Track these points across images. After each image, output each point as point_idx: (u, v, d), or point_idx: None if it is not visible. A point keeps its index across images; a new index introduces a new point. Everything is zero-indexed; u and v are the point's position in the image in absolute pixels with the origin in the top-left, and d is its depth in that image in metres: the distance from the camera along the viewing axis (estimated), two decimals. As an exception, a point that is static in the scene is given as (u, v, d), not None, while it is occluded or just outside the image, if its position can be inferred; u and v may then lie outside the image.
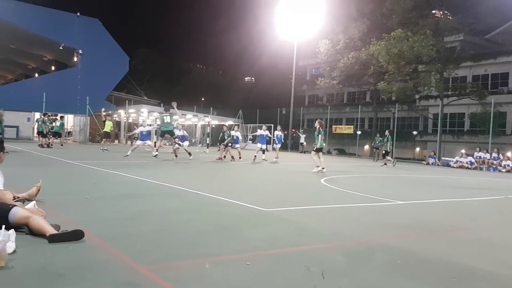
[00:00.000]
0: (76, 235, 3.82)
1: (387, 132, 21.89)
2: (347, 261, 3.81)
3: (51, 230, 3.83)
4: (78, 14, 33.63)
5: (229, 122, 37.27)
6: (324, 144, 14.67)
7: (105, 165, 12.19)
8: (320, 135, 13.94)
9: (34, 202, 5.02)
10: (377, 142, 24.89)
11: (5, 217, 3.88)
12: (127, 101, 36.24)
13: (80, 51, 33.04)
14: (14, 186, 5.50)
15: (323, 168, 13.71)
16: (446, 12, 31.58)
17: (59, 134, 22.47)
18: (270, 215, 5.87)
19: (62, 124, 22.82)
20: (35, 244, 3.70)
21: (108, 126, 22.32)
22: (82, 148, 23.98)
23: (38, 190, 5.60)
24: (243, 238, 4.43)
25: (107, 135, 22.56)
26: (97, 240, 3.98)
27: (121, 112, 35.74)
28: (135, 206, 5.97)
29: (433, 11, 31.90)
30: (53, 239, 3.73)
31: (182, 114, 35.97)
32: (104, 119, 23.29)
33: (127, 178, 9.41)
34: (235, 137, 19.15)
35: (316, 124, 14.13)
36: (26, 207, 4.44)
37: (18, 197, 5.19)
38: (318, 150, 14.00)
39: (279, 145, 20.28)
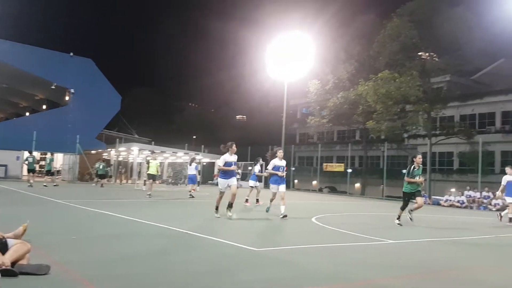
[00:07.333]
0: (41, 269, 4.01)
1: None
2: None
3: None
4: (72, 54, 33.99)
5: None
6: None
7: (93, 204, 11.96)
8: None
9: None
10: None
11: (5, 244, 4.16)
12: (117, 139, 36.09)
13: (72, 90, 33.11)
14: (1, 225, 5.35)
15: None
16: (432, 54, 32.46)
17: (51, 173, 22.21)
18: (264, 256, 5.74)
19: (51, 160, 22.56)
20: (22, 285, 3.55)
21: (153, 168, 18.08)
22: (71, 187, 23.61)
23: (25, 230, 5.45)
24: (236, 280, 4.30)
25: (151, 177, 17.98)
26: (84, 281, 3.84)
27: (112, 151, 35.53)
28: (123, 247, 5.82)
29: (420, 53, 32.80)
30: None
31: (173, 152, 36.00)
32: (147, 161, 19.81)
33: (115, 218, 9.22)
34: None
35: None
36: (12, 243, 4.40)
37: (3, 237, 5.04)
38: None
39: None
